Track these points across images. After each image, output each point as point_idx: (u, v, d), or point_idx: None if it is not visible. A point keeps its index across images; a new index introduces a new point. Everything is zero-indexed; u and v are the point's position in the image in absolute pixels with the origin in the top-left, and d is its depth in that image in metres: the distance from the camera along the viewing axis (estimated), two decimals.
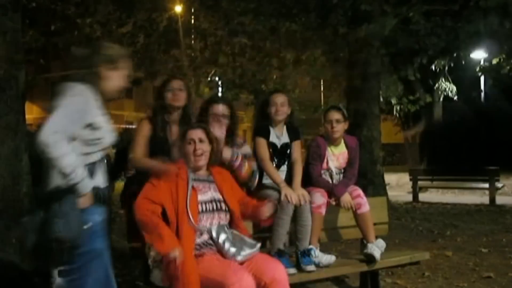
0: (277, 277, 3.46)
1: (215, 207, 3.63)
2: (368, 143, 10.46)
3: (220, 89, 16.59)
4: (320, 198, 4.36)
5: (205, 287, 3.39)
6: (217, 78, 16.04)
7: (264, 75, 15.59)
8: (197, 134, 3.69)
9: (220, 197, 3.69)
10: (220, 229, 3.58)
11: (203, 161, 3.69)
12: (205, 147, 3.68)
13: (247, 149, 4.28)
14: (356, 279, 5.01)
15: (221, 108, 4.16)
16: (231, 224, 3.71)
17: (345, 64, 12.42)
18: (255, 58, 14.72)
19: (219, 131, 4.06)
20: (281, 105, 4.42)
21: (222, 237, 3.56)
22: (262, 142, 4.34)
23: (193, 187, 3.61)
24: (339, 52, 13.49)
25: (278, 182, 4.18)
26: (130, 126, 19.43)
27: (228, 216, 3.67)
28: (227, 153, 3.97)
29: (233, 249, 3.52)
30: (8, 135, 7.73)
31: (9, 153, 7.66)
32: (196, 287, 3.37)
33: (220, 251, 3.53)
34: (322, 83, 23.03)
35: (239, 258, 3.50)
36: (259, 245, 3.65)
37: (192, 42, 15.43)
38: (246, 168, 3.96)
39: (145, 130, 4.10)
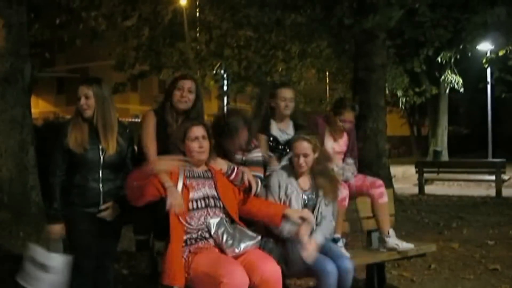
0: (267, 277, 3.44)
1: (207, 204, 3.64)
2: (374, 136, 10.44)
3: (225, 81, 16.56)
4: (343, 191, 4.39)
5: (199, 281, 3.42)
6: (222, 71, 16.02)
7: (269, 68, 15.56)
8: (200, 131, 3.72)
9: (215, 193, 3.70)
10: (220, 222, 3.60)
11: (204, 156, 3.72)
12: (206, 144, 3.72)
13: (257, 154, 4.20)
14: (362, 271, 5.01)
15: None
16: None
17: (351, 56, 12.38)
18: (261, 50, 14.68)
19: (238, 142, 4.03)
20: (290, 100, 4.44)
21: (221, 229, 3.57)
22: (262, 139, 4.36)
23: (185, 185, 3.62)
24: (345, 44, 13.45)
25: None
26: (135, 120, 19.45)
27: (221, 212, 3.67)
28: (222, 165, 3.91)
29: (230, 241, 3.53)
30: (14, 128, 7.78)
31: (15, 146, 7.71)
32: (179, 282, 3.40)
33: (218, 244, 3.55)
34: (327, 75, 22.98)
35: (236, 250, 3.51)
36: (259, 238, 3.66)
37: (197, 35, 15.39)
38: (243, 181, 3.86)
39: (152, 122, 4.09)
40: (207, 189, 3.68)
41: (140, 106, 32.34)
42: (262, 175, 4.12)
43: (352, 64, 11.70)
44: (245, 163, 4.01)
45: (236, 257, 3.50)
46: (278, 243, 3.87)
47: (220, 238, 3.54)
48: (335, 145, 4.81)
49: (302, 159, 4.00)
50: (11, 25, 7.77)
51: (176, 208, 3.44)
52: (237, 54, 14.85)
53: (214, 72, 15.62)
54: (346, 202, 4.43)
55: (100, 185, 3.83)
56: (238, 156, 4.06)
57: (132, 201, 3.58)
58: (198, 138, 3.69)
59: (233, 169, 3.80)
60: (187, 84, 4.10)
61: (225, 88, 16.86)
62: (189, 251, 3.52)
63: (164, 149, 3.86)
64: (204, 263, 3.41)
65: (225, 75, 16.47)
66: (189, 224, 3.54)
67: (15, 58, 7.76)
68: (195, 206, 3.58)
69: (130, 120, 20.59)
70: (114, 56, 14.55)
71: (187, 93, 4.07)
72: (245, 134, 4.01)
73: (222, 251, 3.53)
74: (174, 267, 3.42)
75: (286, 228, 3.79)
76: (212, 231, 3.56)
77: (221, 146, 3.99)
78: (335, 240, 4.29)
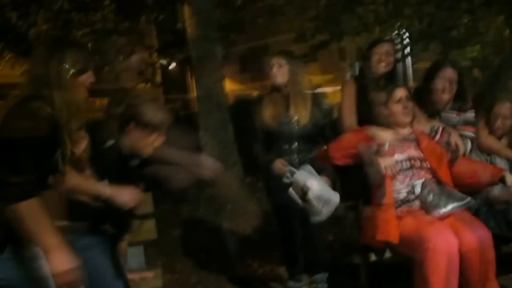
0: (477, 244, 3.29)
1: (412, 165, 3.58)
2: None
3: (407, 40, 15.95)
4: None
5: (405, 245, 3.38)
6: (403, 31, 15.42)
7: (453, 21, 14.70)
8: (403, 92, 3.69)
9: (420, 155, 3.63)
10: (425, 182, 3.53)
11: (408, 118, 3.68)
12: (410, 105, 3.68)
13: (471, 114, 4.05)
14: None
15: (450, 72, 4.00)
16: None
17: None
18: (443, 4, 13.93)
19: (447, 96, 3.92)
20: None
21: (426, 189, 3.51)
22: None
23: (391, 147, 3.59)
24: None
25: None
26: (319, 90, 19.58)
27: (428, 174, 3.59)
28: (425, 126, 3.81)
29: (436, 201, 3.45)
30: (213, 108, 8.26)
31: (217, 124, 8.19)
32: (394, 238, 3.37)
33: (424, 206, 3.48)
34: None
35: (442, 211, 3.42)
36: (469, 199, 3.52)
37: None
38: (449, 142, 3.74)
39: (352, 91, 4.13)
40: (412, 151, 3.65)
41: (321, 76, 32.42)
42: (473, 135, 3.97)
43: None
44: (457, 123, 3.90)
45: (442, 219, 3.42)
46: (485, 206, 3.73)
47: (425, 198, 3.49)
48: None
49: (501, 121, 3.85)
50: (200, 12, 8.23)
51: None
52: (418, 11, 14.21)
53: (396, 32, 15.12)
54: None
55: (295, 155, 3.96)
56: (453, 116, 3.96)
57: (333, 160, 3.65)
58: (402, 100, 3.66)
59: (437, 130, 3.71)
60: (384, 47, 4.07)
61: (408, 48, 16.24)
62: (396, 215, 3.51)
63: (366, 116, 3.88)
64: (410, 226, 3.38)
65: (406, 35, 15.84)
66: (394, 185, 3.53)
67: (205, 43, 8.22)
68: (399, 167, 3.57)
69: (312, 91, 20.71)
70: (294, 29, 14.73)
71: (385, 56, 4.04)
72: None
73: (427, 213, 3.47)
74: (390, 223, 3.43)
75: (496, 191, 3.62)
76: (417, 192, 3.52)
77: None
78: None
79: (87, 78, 2.66)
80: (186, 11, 8.42)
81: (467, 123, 3.97)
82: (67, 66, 2.58)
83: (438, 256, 3.11)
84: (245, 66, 38.61)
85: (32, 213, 2.33)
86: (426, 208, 3.46)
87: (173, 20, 11.41)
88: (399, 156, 3.59)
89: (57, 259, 2.35)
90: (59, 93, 2.51)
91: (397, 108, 3.65)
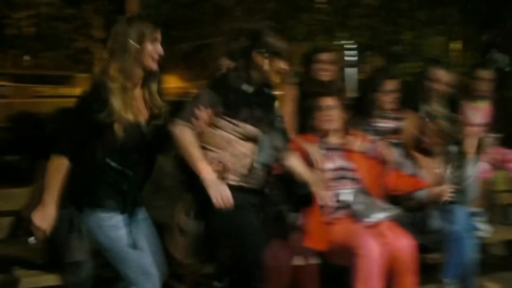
0: (401, 253, 3.40)
1: (340, 175, 3.64)
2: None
3: (352, 51, 16.18)
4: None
5: (334, 252, 3.44)
6: (349, 41, 15.64)
7: (396, 37, 15.05)
8: (328, 101, 3.73)
9: (349, 165, 3.69)
10: (353, 192, 3.60)
11: (329, 125, 3.71)
12: (335, 114, 3.71)
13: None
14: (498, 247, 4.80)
15: (393, 84, 4.05)
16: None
17: (481, 23, 11.63)
18: (387, 18, 14.23)
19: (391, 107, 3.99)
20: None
21: (354, 199, 3.58)
22: None
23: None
24: (473, 11, 12.69)
25: None
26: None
27: (356, 184, 3.66)
28: (355, 144, 3.85)
29: (362, 211, 3.53)
30: None
31: None
32: (322, 246, 3.42)
33: (351, 215, 3.55)
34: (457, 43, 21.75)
35: (367, 220, 3.50)
36: (395, 210, 3.63)
37: (318, 6, 15.15)
38: (382, 153, 3.83)
39: (292, 96, 4.13)
40: (341, 161, 3.70)
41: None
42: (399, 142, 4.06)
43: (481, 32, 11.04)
44: (389, 132, 3.97)
45: (370, 227, 3.49)
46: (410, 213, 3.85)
47: (353, 208, 3.56)
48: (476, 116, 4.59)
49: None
50: (147, 6, 8.14)
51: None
52: (363, 23, 14.47)
53: (341, 42, 15.30)
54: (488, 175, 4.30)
55: None
56: (386, 125, 4.03)
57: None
58: (326, 108, 3.70)
59: (372, 142, 3.78)
60: (325, 56, 4.09)
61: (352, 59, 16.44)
62: (324, 222, 3.56)
63: (306, 123, 3.93)
64: (339, 233, 3.45)
65: (351, 46, 16.06)
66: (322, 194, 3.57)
67: None
68: (329, 176, 3.61)
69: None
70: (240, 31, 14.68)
71: (326, 65, 4.05)
72: None
73: (356, 221, 3.54)
74: (318, 231, 3.47)
75: (423, 194, 3.74)
76: (345, 201, 3.59)
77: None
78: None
79: (153, 51, 2.74)
80: (134, 4, 8.32)
81: (398, 131, 4.08)
82: (131, 41, 2.72)
83: (367, 262, 3.19)
84: (190, 64, 38.26)
85: (52, 169, 2.70)
86: (355, 216, 3.54)
87: (120, 12, 11.22)
88: (328, 165, 3.64)
89: (42, 212, 2.68)
90: (126, 67, 2.72)
91: (319, 116, 3.70)
